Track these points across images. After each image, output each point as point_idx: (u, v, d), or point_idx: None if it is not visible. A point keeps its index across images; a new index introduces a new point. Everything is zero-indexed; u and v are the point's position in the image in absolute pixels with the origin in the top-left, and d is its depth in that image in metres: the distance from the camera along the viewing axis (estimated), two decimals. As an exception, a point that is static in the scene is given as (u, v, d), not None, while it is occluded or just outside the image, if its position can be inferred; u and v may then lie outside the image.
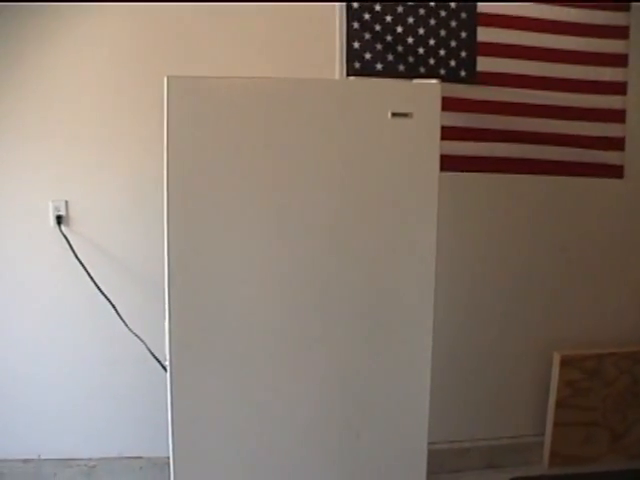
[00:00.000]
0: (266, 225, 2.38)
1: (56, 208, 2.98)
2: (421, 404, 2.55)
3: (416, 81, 2.55)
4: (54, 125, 2.98)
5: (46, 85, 2.96)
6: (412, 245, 2.48)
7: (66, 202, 2.99)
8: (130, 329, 2.95)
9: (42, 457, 3.13)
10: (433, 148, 2.43)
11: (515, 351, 3.47)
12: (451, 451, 3.43)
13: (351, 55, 3.08)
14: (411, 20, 3.10)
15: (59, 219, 2.98)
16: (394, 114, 2.38)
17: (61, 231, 2.98)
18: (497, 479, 3.36)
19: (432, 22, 3.12)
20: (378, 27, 3.08)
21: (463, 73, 3.18)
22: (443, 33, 3.14)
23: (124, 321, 2.96)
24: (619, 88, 3.38)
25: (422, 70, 3.13)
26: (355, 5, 3.05)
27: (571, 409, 3.42)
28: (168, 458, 2.47)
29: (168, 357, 2.36)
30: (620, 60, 3.36)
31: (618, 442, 3.52)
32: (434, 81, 2.44)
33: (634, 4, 3.31)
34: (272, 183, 2.37)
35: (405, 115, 2.39)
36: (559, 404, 3.40)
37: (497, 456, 3.48)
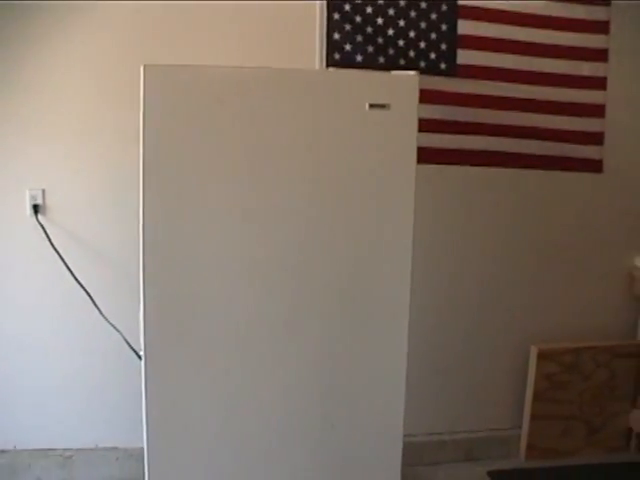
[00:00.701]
0: (242, 214, 2.37)
1: (33, 197, 2.95)
2: (396, 396, 2.54)
3: (394, 73, 2.55)
4: (31, 114, 2.95)
5: (24, 76, 2.93)
6: (389, 237, 2.47)
7: (43, 191, 2.97)
8: (106, 318, 2.93)
9: (17, 448, 3.11)
10: (410, 140, 2.42)
11: (493, 344, 3.48)
12: (429, 443, 3.43)
13: (331, 46, 3.07)
14: (391, 12, 3.09)
15: (36, 208, 2.95)
16: (371, 105, 2.37)
17: (38, 220, 2.95)
18: (475, 472, 3.38)
19: (412, 14, 3.12)
20: (358, 18, 3.07)
21: (443, 66, 3.18)
22: (423, 25, 3.14)
23: (100, 310, 2.94)
24: (599, 83, 3.39)
25: (402, 62, 3.13)
26: (336, -4, 3.05)
27: (548, 402, 3.44)
28: (144, 449, 2.47)
29: (142, 346, 2.35)
30: (600, 55, 3.37)
31: (595, 435, 3.55)
32: (412, 73, 2.43)
33: (615, -1, 3.33)
34: (249, 173, 2.36)
35: (382, 106, 2.38)
36: (536, 397, 3.42)
37: (475, 449, 3.50)
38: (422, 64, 3.15)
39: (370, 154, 2.42)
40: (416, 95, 2.40)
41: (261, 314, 2.42)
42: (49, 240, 2.95)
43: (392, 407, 2.55)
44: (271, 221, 2.39)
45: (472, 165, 3.29)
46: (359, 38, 3.07)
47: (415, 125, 2.42)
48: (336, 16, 3.05)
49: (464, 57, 3.19)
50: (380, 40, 3.09)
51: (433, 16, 3.14)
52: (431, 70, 3.16)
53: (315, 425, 2.52)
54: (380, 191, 2.44)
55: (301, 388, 2.49)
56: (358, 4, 3.06)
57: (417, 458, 3.34)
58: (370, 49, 3.09)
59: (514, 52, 3.25)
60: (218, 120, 2.32)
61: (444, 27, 3.16)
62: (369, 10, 3.07)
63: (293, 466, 2.54)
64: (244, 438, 2.48)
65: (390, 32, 3.11)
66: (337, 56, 3.07)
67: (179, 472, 2.46)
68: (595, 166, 3.44)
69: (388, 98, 2.38)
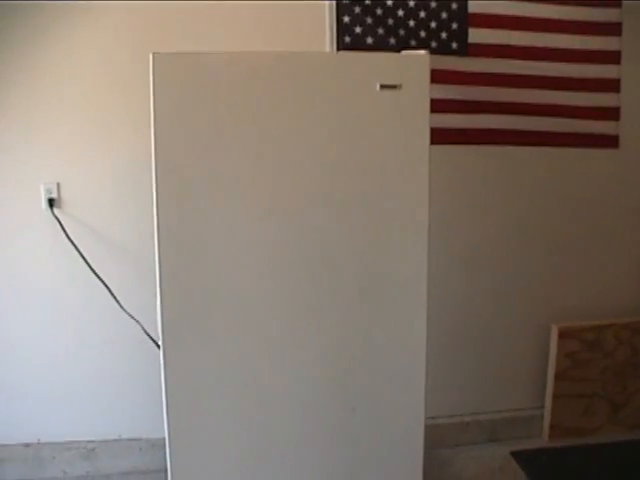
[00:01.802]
0: (256, 202, 2.36)
1: (48, 191, 2.97)
2: (418, 378, 2.53)
3: (404, 52, 2.53)
4: (45, 108, 2.96)
5: (37, 69, 2.93)
6: (404, 219, 2.45)
7: (58, 184, 2.98)
8: (124, 309, 2.94)
9: (42, 441, 3.13)
10: (423, 120, 2.39)
11: (513, 324, 3.47)
12: (451, 425, 3.43)
13: (341, 29, 3.04)
14: (401, -8, 3.07)
15: (51, 202, 2.97)
16: (383, 86, 2.35)
17: (53, 214, 2.96)
18: (497, 452, 3.37)
19: (422, -6, 3.09)
20: (368, 0, 3.04)
21: (454, 45, 3.14)
22: (434, 5, 3.10)
23: (118, 302, 2.95)
24: (613, 57, 3.34)
25: (413, 43, 3.09)
26: (345, -21, 3.02)
27: (570, 381, 3.42)
28: (167, 439, 2.47)
29: (160, 336, 2.35)
30: (614, 29, 3.32)
31: (618, 413, 3.52)
32: (422, 52, 2.41)
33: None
34: (261, 159, 2.35)
35: (394, 87, 2.35)
36: (558, 376, 3.40)
37: (497, 429, 3.49)
38: (433, 44, 3.11)
39: (383, 135, 2.39)
40: (427, 74, 2.37)
41: (279, 300, 2.42)
42: (65, 233, 2.96)
43: (413, 390, 2.54)
44: (285, 206, 2.38)
45: (486, 144, 3.26)
46: (369, 20, 3.04)
47: (427, 105, 2.39)
48: (345, -1, 3.03)
49: (475, 36, 3.15)
50: (390, 21, 3.06)
51: (443, -5, 3.11)
52: (442, 50, 3.12)
53: (336, 409, 2.51)
54: (394, 173, 2.41)
55: (321, 373, 2.48)
56: (367, -14, 3.03)
57: (439, 440, 3.33)
58: (380, 31, 3.06)
59: (525, 29, 3.20)
60: (229, 106, 2.31)
61: (455, 6, 3.11)
62: (378, -9, 3.05)
63: (315, 452, 2.53)
64: (265, 425, 2.48)
65: (400, 13, 3.07)
66: (347, 39, 3.04)
67: (201, 461, 2.46)
68: (611, 142, 3.40)
69: (399, 78, 2.35)
